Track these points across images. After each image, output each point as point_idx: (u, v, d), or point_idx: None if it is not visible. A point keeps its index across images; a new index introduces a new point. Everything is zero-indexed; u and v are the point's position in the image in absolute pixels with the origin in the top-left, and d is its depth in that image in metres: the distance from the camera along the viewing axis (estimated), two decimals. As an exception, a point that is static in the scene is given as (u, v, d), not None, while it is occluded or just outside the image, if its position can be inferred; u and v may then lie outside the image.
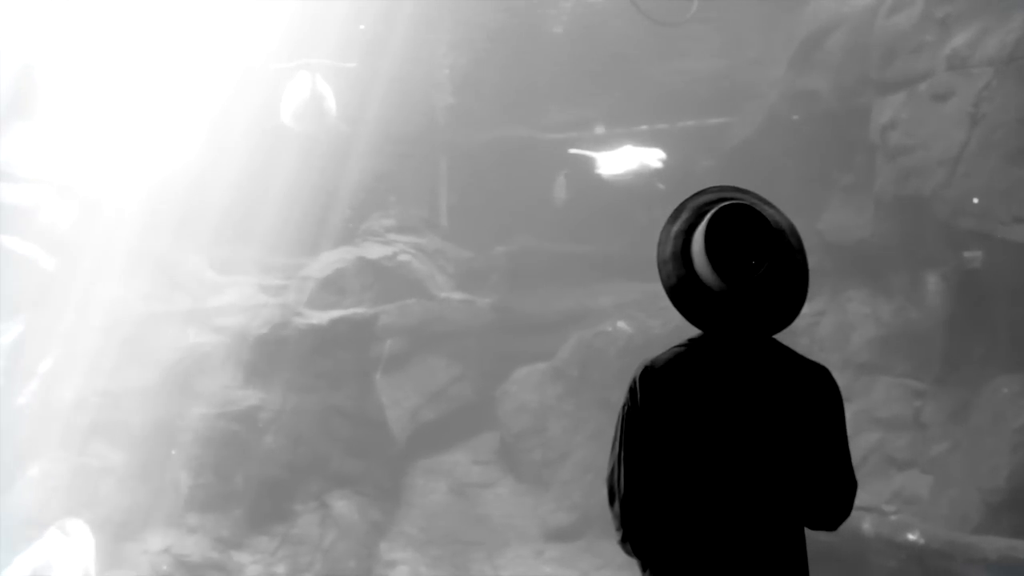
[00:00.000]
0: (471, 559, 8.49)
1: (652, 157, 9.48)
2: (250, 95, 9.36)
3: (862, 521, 6.84)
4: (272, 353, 8.74)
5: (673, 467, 2.55)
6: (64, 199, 9.09)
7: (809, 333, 8.77)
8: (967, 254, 7.80)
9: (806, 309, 8.70)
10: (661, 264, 2.65)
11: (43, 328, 8.65)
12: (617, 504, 2.59)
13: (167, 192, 9.12)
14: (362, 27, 9.70)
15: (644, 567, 2.64)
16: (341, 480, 8.63)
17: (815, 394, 2.61)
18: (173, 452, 8.13)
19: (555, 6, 10.82)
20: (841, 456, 2.63)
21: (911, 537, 6.78)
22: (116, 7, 9.34)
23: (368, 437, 9.00)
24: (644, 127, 10.29)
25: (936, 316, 8.06)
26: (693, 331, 2.66)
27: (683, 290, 2.59)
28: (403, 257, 10.31)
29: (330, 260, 10.01)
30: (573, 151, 9.77)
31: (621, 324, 9.40)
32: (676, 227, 2.66)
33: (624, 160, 9.58)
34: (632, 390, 2.61)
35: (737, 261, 2.50)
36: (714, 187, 2.73)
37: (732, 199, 2.61)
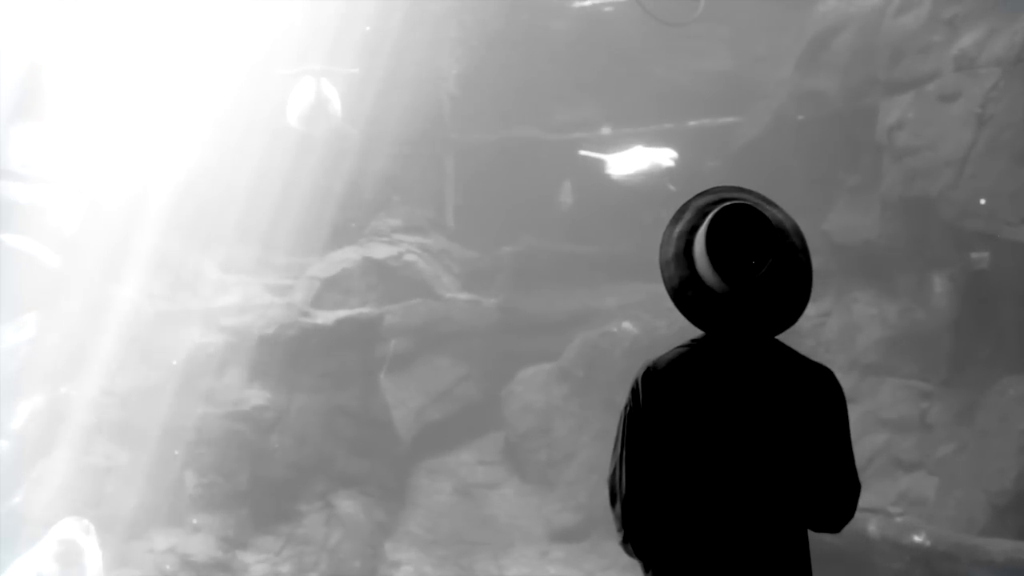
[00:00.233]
0: (476, 559, 8.49)
1: (664, 156, 9.42)
2: (257, 96, 9.37)
3: (868, 523, 6.82)
4: (278, 353, 8.75)
5: (675, 468, 2.54)
6: (71, 198, 9.11)
7: (815, 334, 8.76)
8: (974, 255, 7.78)
9: (812, 310, 8.70)
10: (664, 265, 2.65)
11: (49, 327, 8.67)
12: (619, 505, 2.59)
13: (174, 192, 9.13)
14: (368, 28, 9.71)
15: (646, 568, 2.63)
16: (346, 480, 8.63)
17: (818, 395, 2.60)
18: (177, 452, 8.13)
19: (561, 6, 10.81)
20: (844, 458, 2.62)
21: (917, 539, 6.76)
22: (123, 8, 9.36)
23: (373, 437, 9.00)
24: (650, 127, 10.27)
25: (943, 317, 8.04)
26: (698, 332, 2.65)
27: (685, 291, 2.59)
28: (409, 257, 10.31)
29: (336, 260, 10.02)
30: (584, 153, 9.72)
31: (626, 325, 9.39)
32: (679, 228, 2.65)
33: (635, 160, 9.53)
34: (634, 391, 2.60)
35: (738, 261, 2.49)
36: (717, 187, 2.72)
37: (734, 199, 2.60)
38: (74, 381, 8.32)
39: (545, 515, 8.91)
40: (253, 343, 8.75)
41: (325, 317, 9.16)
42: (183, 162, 9.32)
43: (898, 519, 7.20)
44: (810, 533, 2.66)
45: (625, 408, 2.62)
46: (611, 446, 2.66)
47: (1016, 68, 7.61)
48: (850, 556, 6.59)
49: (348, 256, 10.08)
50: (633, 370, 2.64)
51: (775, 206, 2.66)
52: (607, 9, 10.70)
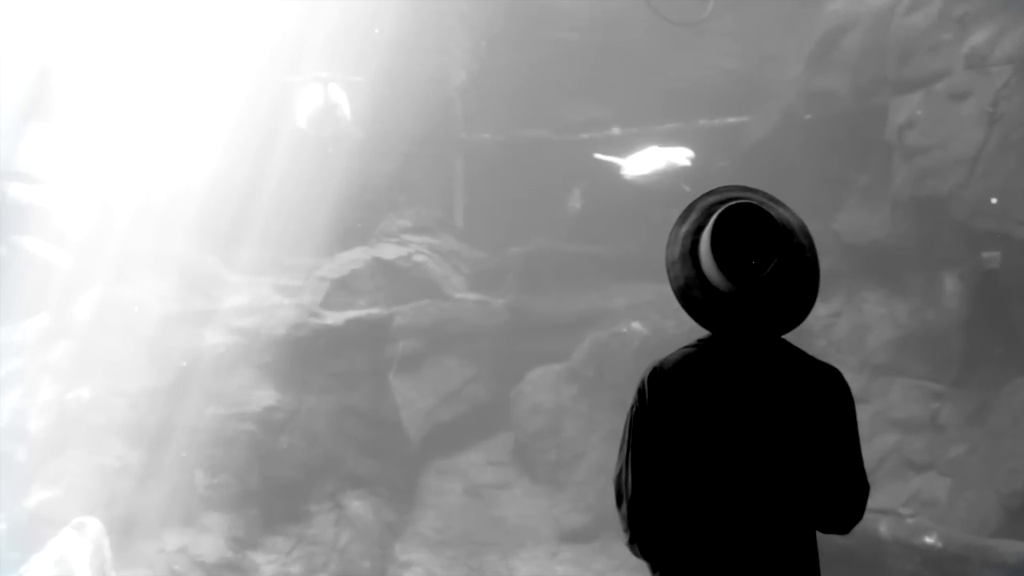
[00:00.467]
0: (486, 560, 8.49)
1: (680, 156, 9.37)
2: (266, 99, 9.39)
3: (879, 524, 6.80)
4: (287, 354, 8.76)
5: (681, 469, 2.53)
6: (81, 200, 9.15)
7: (825, 334, 8.73)
8: (985, 254, 7.74)
9: (822, 310, 8.65)
10: (669, 265, 2.64)
11: (60, 328, 8.70)
12: (625, 506, 2.58)
13: (184, 193, 9.15)
14: (377, 31, 9.71)
15: (654, 569, 2.63)
16: (356, 481, 8.64)
17: (825, 396, 2.59)
18: (184, 453, 8.15)
19: (570, 6, 10.80)
20: (852, 459, 2.60)
21: (928, 540, 6.73)
22: (132, 10, 9.39)
23: (383, 438, 9.01)
24: (659, 127, 10.26)
25: (954, 317, 8.00)
26: (706, 332, 2.63)
27: (691, 291, 2.58)
28: (418, 258, 10.31)
29: (345, 261, 10.02)
30: (599, 157, 9.67)
31: (636, 325, 9.38)
32: (684, 228, 2.64)
33: (651, 160, 9.48)
34: (640, 391, 2.59)
35: (744, 261, 2.48)
36: (723, 187, 2.71)
37: (740, 199, 2.59)
38: (85, 382, 8.34)
39: (554, 516, 8.90)
40: (263, 344, 8.77)
41: (334, 318, 9.17)
42: (193, 164, 9.34)
43: (909, 520, 7.17)
44: (820, 534, 2.65)
45: (631, 409, 2.61)
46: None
47: (1027, 66, 7.58)
48: (861, 557, 6.56)
49: (357, 257, 10.09)
50: (642, 371, 2.64)
51: (782, 205, 2.65)
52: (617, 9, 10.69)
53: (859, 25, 9.20)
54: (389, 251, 10.25)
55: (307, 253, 10.01)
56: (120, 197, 9.13)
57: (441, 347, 9.92)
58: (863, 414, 8.26)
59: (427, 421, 9.56)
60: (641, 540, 2.57)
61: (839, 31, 9.38)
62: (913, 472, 7.83)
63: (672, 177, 9.26)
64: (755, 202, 2.56)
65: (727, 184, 2.73)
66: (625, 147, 9.92)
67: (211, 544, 7.90)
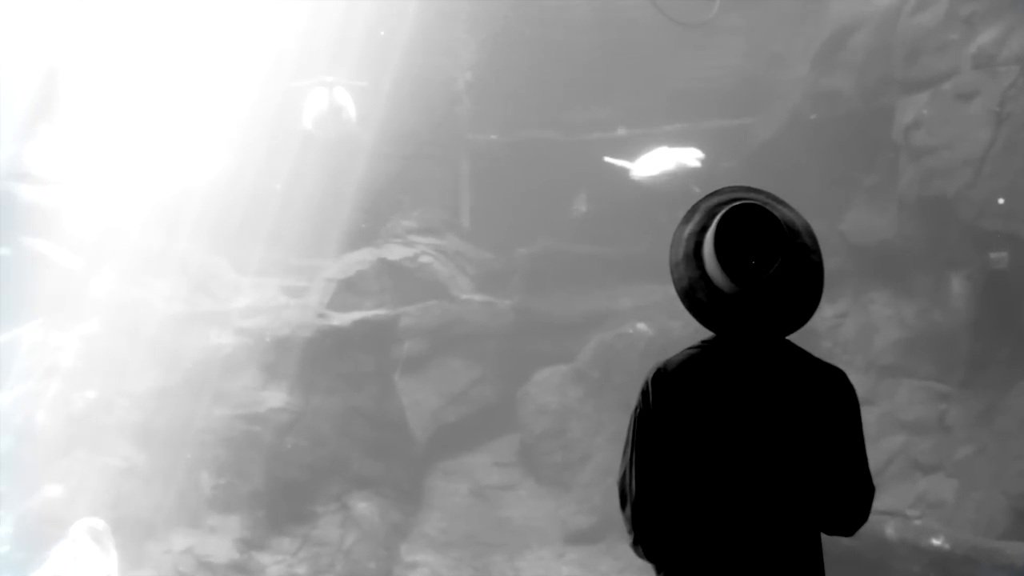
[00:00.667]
0: (491, 561, 8.48)
1: (690, 157, 9.33)
2: (272, 101, 9.41)
3: (885, 526, 6.77)
4: (293, 355, 8.76)
5: (685, 470, 2.53)
6: (89, 201, 9.17)
7: (832, 335, 8.71)
8: (992, 255, 7.71)
9: (829, 311, 8.60)
10: (673, 266, 2.64)
11: (67, 329, 8.72)
12: (628, 508, 2.58)
13: (190, 194, 9.17)
14: (382, 33, 9.72)
15: (658, 570, 2.62)
16: (362, 482, 8.64)
17: (830, 397, 2.58)
18: (191, 454, 8.16)
19: (577, 7, 10.79)
20: (857, 460, 2.59)
21: (935, 542, 6.70)
22: (141, 12, 9.41)
23: (389, 439, 9.01)
24: (666, 128, 10.24)
25: (961, 318, 7.97)
26: (711, 333, 2.62)
27: (695, 292, 2.57)
28: (424, 259, 10.31)
29: (351, 262, 10.03)
30: (609, 160, 9.64)
31: (641, 326, 9.36)
32: (688, 229, 2.64)
33: (660, 162, 9.44)
34: (644, 392, 2.59)
35: (747, 262, 2.47)
36: (727, 188, 2.70)
37: (744, 199, 2.58)
38: (92, 383, 8.36)
39: (560, 517, 8.89)
40: (269, 345, 8.77)
41: (341, 319, 9.17)
42: (200, 165, 9.36)
43: (916, 522, 7.14)
44: (826, 536, 2.64)
45: (635, 410, 2.61)
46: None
47: (1035, 66, 7.56)
48: (867, 559, 6.54)
49: (363, 258, 10.09)
50: (646, 372, 2.63)
51: (786, 205, 2.65)
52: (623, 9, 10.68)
53: (866, 25, 9.17)
54: (395, 252, 10.25)
55: (313, 254, 10.02)
56: (127, 198, 9.15)
57: (447, 348, 9.92)
58: (870, 415, 8.24)
59: (433, 422, 9.56)
60: (645, 541, 2.57)
61: (846, 31, 9.36)
62: (920, 473, 7.79)
63: (681, 178, 9.22)
64: (759, 203, 2.55)
65: (731, 185, 2.73)
66: (631, 148, 9.90)
67: (217, 545, 7.91)
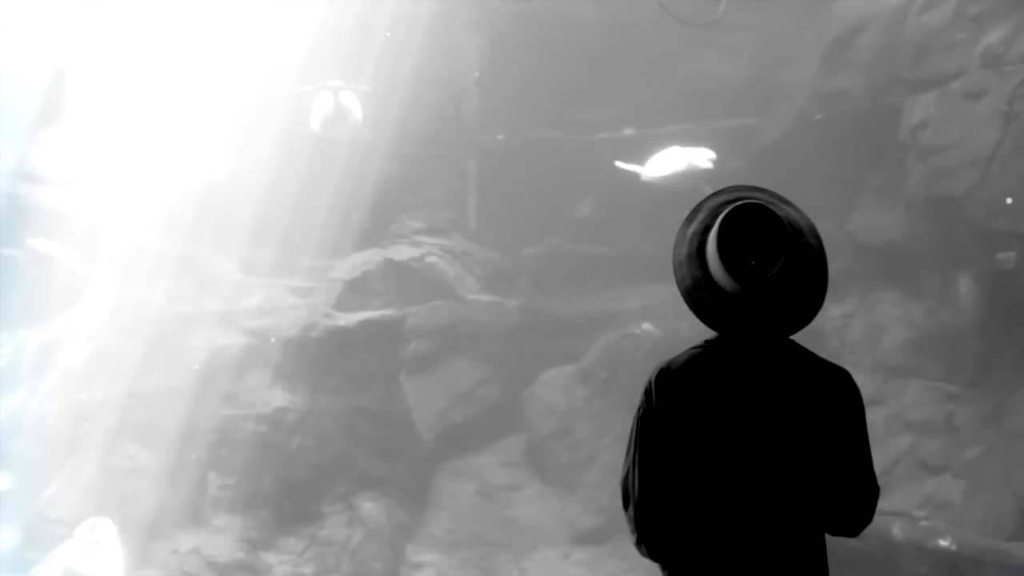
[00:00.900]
0: (498, 561, 8.48)
1: (701, 158, 9.29)
2: (279, 102, 9.42)
3: (892, 526, 6.75)
4: (300, 355, 8.78)
5: (688, 470, 2.52)
6: (96, 202, 9.19)
7: (839, 335, 8.68)
8: (1000, 255, 7.68)
9: (836, 311, 8.55)
10: (676, 266, 2.63)
11: (74, 329, 8.75)
12: (631, 508, 2.58)
13: (197, 195, 9.19)
14: (388, 34, 9.73)
15: (663, 569, 2.62)
16: (368, 482, 8.65)
17: (834, 397, 2.57)
18: (193, 456, 8.18)
19: (583, 7, 10.78)
20: (862, 460, 2.58)
21: (943, 543, 6.68)
22: (148, 14, 9.43)
23: (395, 439, 9.01)
24: (673, 128, 10.22)
25: (969, 318, 7.93)
26: (715, 333, 2.61)
27: (698, 292, 2.56)
28: (431, 259, 10.31)
29: (358, 262, 10.03)
30: (620, 165, 9.60)
31: (647, 326, 9.35)
32: (692, 229, 2.63)
33: (672, 162, 9.40)
34: (647, 392, 2.58)
35: (749, 261, 2.46)
36: (731, 187, 2.69)
37: (747, 198, 2.57)
38: (99, 383, 8.38)
39: (567, 517, 8.88)
40: (275, 345, 8.79)
41: (347, 319, 9.18)
42: (206, 166, 9.38)
43: (923, 523, 7.12)
44: (833, 536, 2.63)
45: (638, 410, 2.60)
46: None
47: (1043, 65, 7.52)
48: (874, 560, 6.52)
49: (370, 258, 10.09)
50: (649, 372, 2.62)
51: (790, 205, 2.64)
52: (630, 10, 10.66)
53: (873, 24, 9.14)
54: (401, 252, 10.25)
55: (320, 255, 10.03)
56: (135, 199, 9.17)
57: (453, 348, 9.92)
58: (878, 416, 8.22)
59: (439, 422, 9.55)
60: (648, 541, 2.57)
61: (853, 31, 9.33)
62: (928, 474, 7.76)
63: (693, 179, 9.17)
64: (762, 202, 2.54)
65: (735, 184, 2.72)
66: (638, 148, 9.88)
67: (223, 545, 7.92)
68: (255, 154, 9.36)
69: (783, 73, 10.34)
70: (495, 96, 10.81)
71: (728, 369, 2.56)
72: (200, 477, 8.21)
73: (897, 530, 6.80)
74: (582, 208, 10.60)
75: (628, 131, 10.59)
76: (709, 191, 2.57)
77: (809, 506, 2.54)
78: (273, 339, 8.75)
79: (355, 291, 9.75)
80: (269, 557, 8.01)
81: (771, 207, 2.52)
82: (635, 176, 9.50)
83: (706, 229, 2.59)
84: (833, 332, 8.64)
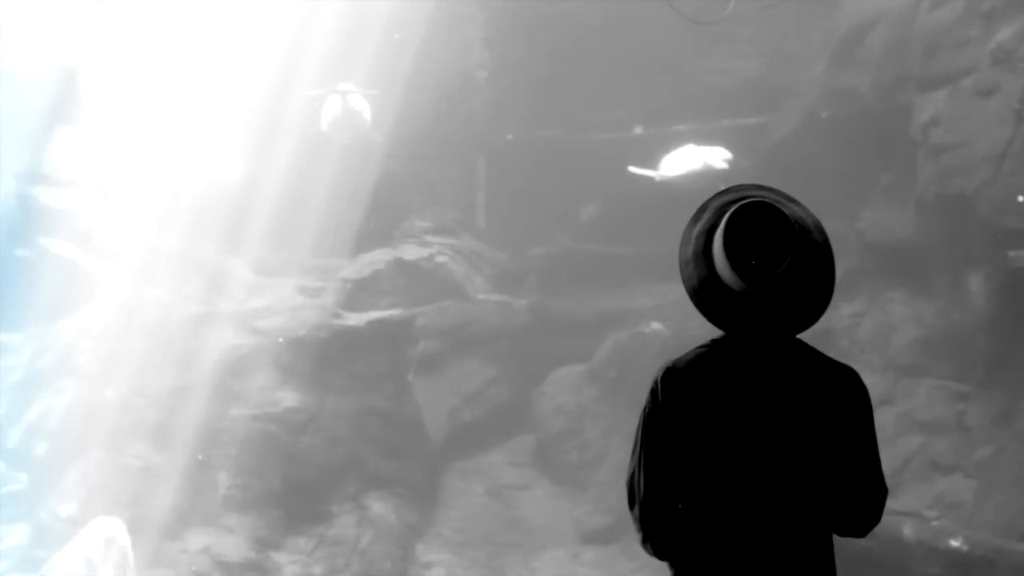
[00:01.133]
0: (507, 561, 8.48)
1: (717, 157, 9.24)
2: (289, 103, 9.44)
3: (903, 526, 6.72)
4: (309, 355, 8.79)
5: (694, 469, 2.51)
6: (107, 203, 9.22)
7: (849, 334, 8.64)
8: (1011, 253, 7.63)
9: (846, 310, 8.50)
10: (683, 265, 2.63)
11: (86, 329, 8.78)
12: (637, 507, 2.58)
13: (207, 196, 9.21)
14: (397, 36, 9.73)
15: (672, 568, 2.61)
16: (378, 481, 8.66)
17: (841, 396, 2.55)
18: (202, 456, 8.21)
19: (591, 6, 10.77)
20: (869, 460, 2.56)
21: (954, 543, 6.64)
22: (158, 14, 9.46)
23: (405, 438, 9.02)
24: (681, 127, 10.20)
25: (980, 317, 7.88)
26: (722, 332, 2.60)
27: (704, 291, 2.56)
28: (440, 259, 10.31)
29: (367, 262, 10.03)
30: (633, 170, 9.55)
31: (657, 325, 9.33)
32: (698, 227, 2.63)
33: (687, 161, 9.35)
34: (653, 391, 2.58)
35: (756, 259, 2.45)
36: (737, 186, 2.69)
37: (754, 197, 2.56)
38: (109, 383, 8.41)
39: (576, 517, 8.87)
40: (285, 345, 8.80)
41: (356, 319, 9.19)
42: (216, 167, 9.40)
43: (934, 523, 7.08)
44: (844, 536, 2.62)
45: (644, 409, 2.60)
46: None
47: (1055, 62, 7.48)
48: (885, 561, 6.49)
49: (379, 258, 10.10)
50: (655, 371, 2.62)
51: (796, 203, 2.62)
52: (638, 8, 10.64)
53: (883, 21, 9.10)
54: (411, 252, 10.25)
55: (329, 254, 10.04)
56: (145, 199, 9.20)
57: (463, 348, 9.92)
58: (888, 415, 8.16)
59: (449, 422, 9.56)
60: (653, 540, 2.56)
61: (863, 28, 9.29)
62: (938, 474, 7.72)
63: (708, 179, 9.12)
64: (769, 200, 2.53)
65: (741, 183, 2.71)
66: (647, 147, 9.86)
67: (233, 544, 7.94)
68: (265, 155, 9.39)
69: (792, 71, 10.30)
70: (504, 96, 10.81)
71: (734, 368, 2.55)
72: (210, 477, 8.23)
73: (908, 530, 6.76)
74: (591, 207, 10.59)
75: (637, 130, 10.57)
76: (723, 188, 2.58)
77: (816, 506, 2.53)
78: (282, 339, 8.77)
79: (364, 291, 9.75)
80: (279, 557, 8.02)
81: (778, 205, 2.51)
82: (665, 179, 9.40)
83: (712, 228, 2.58)
84: (843, 331, 8.61)
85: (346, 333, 9.00)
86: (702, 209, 2.65)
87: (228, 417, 8.40)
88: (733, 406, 2.52)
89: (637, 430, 2.61)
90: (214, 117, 9.45)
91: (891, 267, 8.70)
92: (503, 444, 9.67)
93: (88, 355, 8.58)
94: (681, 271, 2.63)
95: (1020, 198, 7.51)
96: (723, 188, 2.72)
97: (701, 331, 2.64)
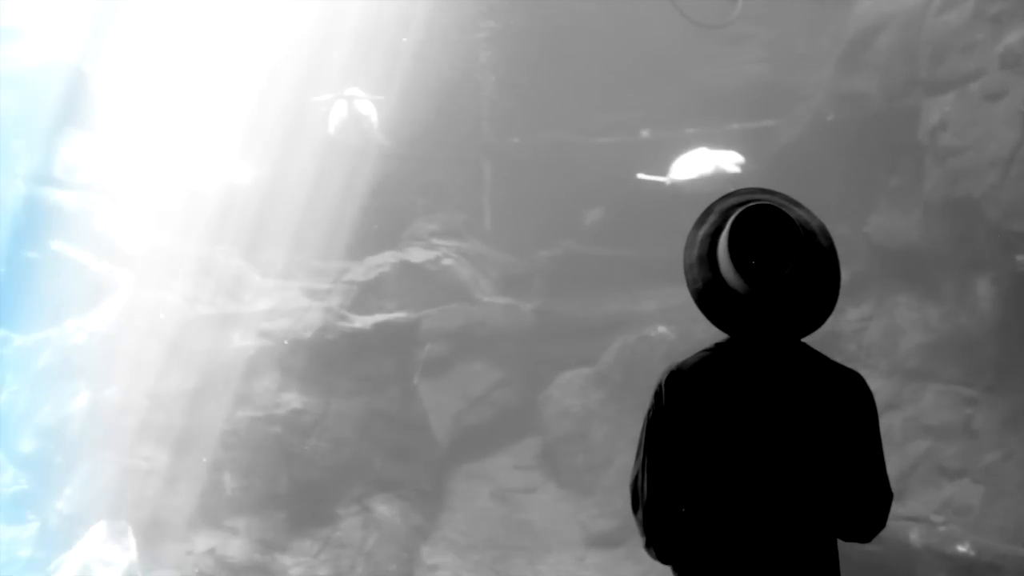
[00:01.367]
0: (512, 564, 8.47)
1: (729, 161, 9.21)
2: (298, 107, 9.46)
3: (910, 531, 6.69)
4: (315, 357, 8.80)
5: (698, 473, 2.51)
6: (116, 205, 9.25)
7: (856, 338, 8.62)
8: (1019, 257, 7.59)
9: (853, 314, 8.48)
10: (687, 268, 2.62)
11: (94, 331, 8.80)
12: (640, 511, 2.57)
13: (215, 199, 9.23)
14: (405, 40, 9.75)
15: (675, 571, 2.61)
16: (383, 484, 8.66)
17: (846, 400, 2.54)
18: (212, 456, 8.21)
19: (599, 9, 10.77)
20: (874, 465, 2.55)
21: (961, 549, 6.61)
22: (169, 19, 9.49)
23: (410, 441, 9.02)
24: (689, 130, 10.19)
25: (987, 321, 7.85)
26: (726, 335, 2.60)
27: (709, 294, 2.55)
28: (446, 261, 10.32)
29: (373, 265, 10.05)
30: (642, 177, 9.52)
31: (663, 329, 9.32)
32: (703, 231, 2.63)
33: (698, 165, 9.31)
34: (657, 395, 2.57)
35: (761, 263, 2.45)
36: (742, 189, 2.68)
37: (758, 200, 2.55)
38: (116, 384, 8.43)
39: (581, 520, 8.86)
40: (291, 347, 8.81)
41: (363, 321, 9.20)
42: (225, 170, 9.43)
43: (941, 528, 7.05)
44: (850, 542, 2.61)
45: (648, 412, 2.59)
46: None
47: (1064, 66, 7.45)
48: (892, 566, 6.47)
49: (386, 261, 10.11)
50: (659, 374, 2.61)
51: (801, 207, 2.62)
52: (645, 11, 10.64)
53: (891, 25, 9.08)
54: (417, 255, 10.27)
55: (335, 257, 10.05)
56: (153, 202, 9.22)
57: (469, 351, 9.92)
58: (895, 419, 8.13)
59: (455, 425, 9.56)
60: (656, 544, 2.56)
61: (870, 31, 9.27)
62: (946, 479, 7.69)
63: (719, 183, 9.09)
64: (773, 204, 2.53)
65: (746, 186, 2.71)
66: (654, 150, 9.85)
67: (239, 546, 7.95)
68: (273, 159, 9.41)
69: (800, 74, 10.29)
70: (510, 99, 10.82)
71: (739, 371, 2.54)
72: (215, 478, 8.24)
73: (915, 535, 6.73)
74: (597, 210, 10.59)
75: (644, 133, 10.56)
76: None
77: (820, 511, 2.52)
78: (287, 341, 8.78)
79: (370, 293, 9.77)
80: (284, 559, 8.02)
81: (783, 209, 2.50)
82: (676, 183, 9.34)
83: (717, 231, 2.58)
84: (850, 335, 8.58)
85: (352, 335, 9.00)
86: (707, 212, 2.65)
87: (234, 419, 8.41)
88: (737, 410, 2.51)
89: (641, 433, 2.61)
90: (222, 121, 9.47)
91: (898, 271, 8.68)
92: (509, 447, 9.66)
93: (94, 356, 8.60)
94: (686, 274, 2.63)
95: (1028, 202, 7.48)
96: (732, 189, 2.71)
97: (707, 335, 2.64)
